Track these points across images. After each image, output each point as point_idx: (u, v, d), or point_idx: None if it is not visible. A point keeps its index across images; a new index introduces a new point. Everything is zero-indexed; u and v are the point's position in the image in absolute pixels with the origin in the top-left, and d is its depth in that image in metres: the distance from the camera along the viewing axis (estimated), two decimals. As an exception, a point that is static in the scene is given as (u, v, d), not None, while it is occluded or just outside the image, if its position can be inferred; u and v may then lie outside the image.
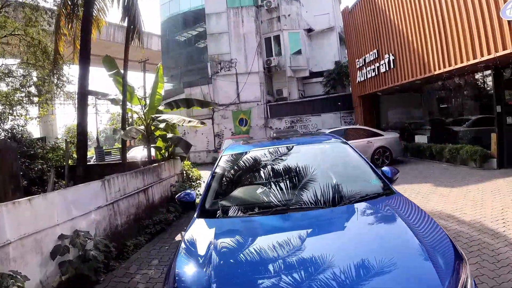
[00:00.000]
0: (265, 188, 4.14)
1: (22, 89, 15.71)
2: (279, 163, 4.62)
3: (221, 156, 4.86)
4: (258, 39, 27.98)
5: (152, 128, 11.06)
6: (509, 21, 10.08)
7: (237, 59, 27.51)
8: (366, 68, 19.99)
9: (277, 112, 27.69)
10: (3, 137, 12.16)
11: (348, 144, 4.85)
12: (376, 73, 18.78)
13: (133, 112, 11.30)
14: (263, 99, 27.39)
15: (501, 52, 10.42)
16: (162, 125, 11.09)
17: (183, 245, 3.25)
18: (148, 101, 11.17)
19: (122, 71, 9.90)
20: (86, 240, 5.53)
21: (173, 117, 10.59)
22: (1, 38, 15.30)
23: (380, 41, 18.26)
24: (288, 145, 5.00)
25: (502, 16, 10.24)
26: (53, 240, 5.23)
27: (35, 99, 17.19)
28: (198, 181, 12.35)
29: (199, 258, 2.93)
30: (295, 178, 4.19)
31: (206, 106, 11.46)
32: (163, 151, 11.48)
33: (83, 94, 8.59)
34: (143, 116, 10.97)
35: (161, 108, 11.38)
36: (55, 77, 16.28)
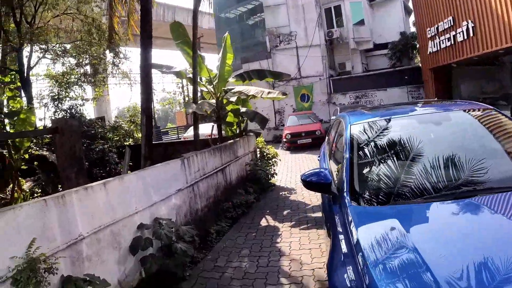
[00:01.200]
0: (426, 164, 3.04)
1: (77, 69, 15.17)
2: (429, 134, 3.63)
3: (350, 126, 3.85)
4: (318, 10, 26.32)
5: (224, 101, 10.06)
6: None
7: (296, 31, 26.02)
8: (439, 38, 18.27)
9: (341, 87, 26.10)
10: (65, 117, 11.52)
11: (501, 112, 3.72)
12: (452, 43, 17.03)
13: (201, 85, 10.30)
14: (326, 74, 25.86)
15: None
16: (233, 99, 10.06)
17: (367, 251, 2.18)
18: (218, 73, 10.13)
19: (190, 38, 8.91)
20: (172, 230, 4.53)
21: (250, 88, 9.55)
22: (54, 18, 14.77)
23: (456, 7, 16.46)
24: (431, 112, 4.07)
25: None
26: (132, 231, 4.33)
27: (92, 80, 16.71)
28: (274, 160, 11.30)
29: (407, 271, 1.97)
30: (459, 152, 3.17)
31: (279, 78, 10.34)
32: (234, 127, 10.48)
33: (147, 67, 7.62)
34: (212, 90, 9.96)
35: (232, 80, 10.32)
36: (111, 54, 15.62)
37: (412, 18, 28.29)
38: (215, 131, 10.64)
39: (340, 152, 4.00)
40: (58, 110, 11.93)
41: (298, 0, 26.17)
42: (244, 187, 8.84)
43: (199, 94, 10.49)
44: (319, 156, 7.55)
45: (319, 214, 7.16)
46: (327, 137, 6.78)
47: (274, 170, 10.75)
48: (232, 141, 8.95)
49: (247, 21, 30.85)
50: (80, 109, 12.21)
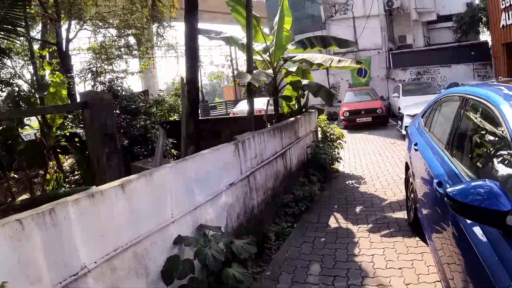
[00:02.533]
0: None
1: (118, 40, 14.13)
2: None
3: None
4: (376, -23, 24.27)
5: (283, 72, 8.60)
6: None
7: (353, 0, 24.09)
8: None
9: (400, 61, 24.21)
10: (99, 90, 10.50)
11: None
12: None
13: (255, 53, 8.84)
14: (385, 47, 23.99)
15: None
16: (293, 69, 8.57)
17: None
18: (274, 40, 8.63)
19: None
20: (222, 249, 3.19)
21: (314, 55, 8.02)
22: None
23: None
24: None
25: None
26: (166, 249, 3.04)
27: (135, 53, 15.68)
28: (339, 141, 9.81)
29: None
30: None
31: (345, 46, 8.80)
32: (293, 102, 9.01)
33: (193, 32, 6.40)
34: (268, 59, 8.51)
35: (291, 47, 8.81)
36: (155, 25, 14.45)
37: None
38: (270, 107, 9.23)
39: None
40: (97, 84, 10.98)
41: None
42: (306, 174, 7.46)
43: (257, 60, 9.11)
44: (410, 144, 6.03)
45: (401, 215, 5.74)
46: (421, 119, 5.31)
47: (338, 154, 9.26)
48: (293, 118, 7.47)
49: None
50: (121, 82, 11.18)
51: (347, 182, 8.09)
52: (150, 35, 15.66)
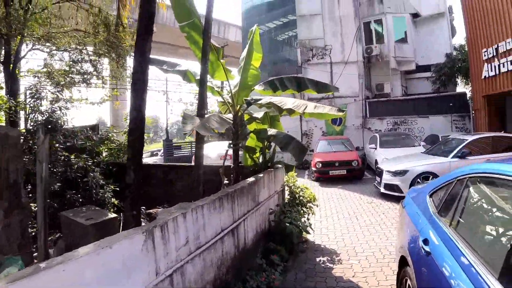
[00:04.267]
0: None
1: (74, 65, 12.59)
2: None
3: None
4: (356, 24, 23.72)
5: (245, 117, 7.10)
6: None
7: (332, 45, 23.32)
8: (499, 60, 15.57)
9: (377, 110, 23.35)
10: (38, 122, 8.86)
11: None
12: None
13: (214, 92, 7.33)
14: (362, 95, 23.11)
15: None
16: (259, 114, 7.09)
17: None
18: (239, 78, 7.16)
19: (202, 23, 6.03)
20: None
21: (286, 100, 6.56)
22: (53, 4, 12.29)
23: None
24: None
25: None
26: None
27: (97, 81, 14.20)
28: (309, 205, 8.22)
29: None
30: None
31: (324, 91, 7.40)
32: (257, 154, 7.46)
33: (143, 61, 5.07)
34: (229, 100, 7.01)
35: (258, 88, 7.36)
36: (115, 52, 12.98)
37: (457, 39, 25.75)
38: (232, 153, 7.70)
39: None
40: (34, 112, 9.32)
41: (336, 11, 23.76)
42: (266, 251, 5.82)
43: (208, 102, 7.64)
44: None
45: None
46: (430, 200, 3.92)
47: (309, 221, 7.66)
48: (252, 179, 5.80)
49: (277, 37, 28.29)
50: (63, 114, 9.52)
51: (317, 260, 6.45)
52: (113, 64, 14.14)
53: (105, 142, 10.59)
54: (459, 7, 19.39)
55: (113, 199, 7.77)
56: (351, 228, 8.38)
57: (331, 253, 6.82)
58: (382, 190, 11.64)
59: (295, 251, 6.54)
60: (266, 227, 6.38)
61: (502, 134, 13.34)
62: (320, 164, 15.20)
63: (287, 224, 6.34)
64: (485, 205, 3.01)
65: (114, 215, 5.68)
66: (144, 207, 7.04)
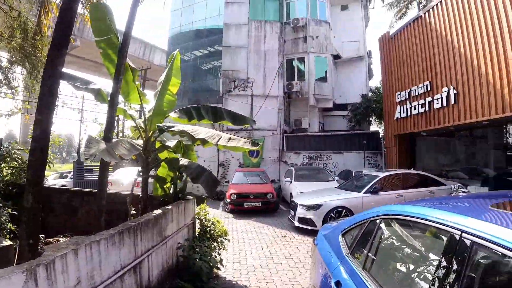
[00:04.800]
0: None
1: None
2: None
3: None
4: (280, 60, 24.29)
5: (157, 145, 6.75)
6: None
7: (254, 78, 23.63)
8: (410, 103, 16.80)
9: (294, 145, 23.74)
10: None
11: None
12: (427, 109, 15.52)
13: (127, 115, 6.94)
14: (280, 129, 23.40)
15: None
16: (171, 143, 6.78)
17: None
18: (154, 103, 6.83)
19: (119, 39, 5.70)
20: None
21: (200, 129, 6.31)
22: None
23: (435, 72, 15.16)
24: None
25: None
26: None
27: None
28: (221, 240, 7.91)
29: None
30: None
31: (241, 123, 7.26)
32: (167, 184, 7.11)
33: (54, 76, 4.55)
34: (142, 125, 6.67)
35: (173, 115, 7.07)
36: (29, 61, 12.15)
37: (373, 81, 27.42)
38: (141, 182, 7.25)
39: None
40: None
41: (261, 45, 24.26)
42: (171, 289, 5.45)
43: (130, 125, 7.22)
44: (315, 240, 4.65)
45: None
46: (342, 239, 3.90)
47: (220, 256, 7.36)
48: (159, 211, 5.38)
49: (202, 65, 28.25)
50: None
51: (229, 300, 6.19)
52: (26, 75, 13.23)
53: (6, 159, 9.73)
54: (378, 52, 20.43)
55: (9, 224, 7.03)
56: (264, 263, 8.20)
57: (243, 290, 6.57)
58: (296, 223, 11.67)
59: (206, 288, 6.20)
60: (174, 263, 5.98)
61: (411, 171, 14.08)
62: (235, 196, 15.00)
63: (196, 260, 6.00)
64: (397, 245, 3.11)
65: (9, 242, 5.05)
66: (43, 236, 6.41)
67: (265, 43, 24.29)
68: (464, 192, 10.42)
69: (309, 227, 11.09)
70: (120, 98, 5.98)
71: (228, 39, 24.49)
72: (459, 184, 12.25)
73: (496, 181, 14.00)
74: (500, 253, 1.83)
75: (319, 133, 25.04)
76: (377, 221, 3.31)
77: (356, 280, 2.98)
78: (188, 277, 5.86)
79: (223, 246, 7.87)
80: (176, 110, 7.13)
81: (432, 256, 2.48)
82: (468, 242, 2.05)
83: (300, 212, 11.56)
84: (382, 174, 12.37)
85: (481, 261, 1.99)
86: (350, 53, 28.39)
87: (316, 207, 11.24)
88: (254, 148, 6.29)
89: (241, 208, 15.01)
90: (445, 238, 2.29)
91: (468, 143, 17.56)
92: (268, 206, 15.22)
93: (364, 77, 28.39)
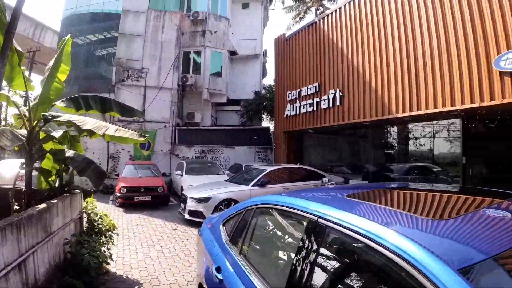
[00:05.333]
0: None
1: None
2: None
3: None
4: (177, 52, 23.95)
5: (41, 135, 6.35)
6: (501, 72, 9.47)
7: (149, 69, 23.07)
8: (300, 102, 17.86)
9: (186, 138, 23.61)
10: None
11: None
12: (314, 109, 16.67)
13: (10, 102, 6.45)
14: (172, 121, 23.17)
15: (487, 102, 9.77)
16: (58, 133, 6.42)
17: None
18: (40, 90, 6.41)
19: (7, 17, 5.25)
20: None
21: (87, 120, 6.04)
22: None
23: (324, 75, 16.34)
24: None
25: (495, 66, 9.61)
26: None
27: None
28: (109, 234, 7.64)
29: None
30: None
31: (130, 115, 7.12)
32: (52, 177, 6.73)
33: None
34: (26, 113, 6.25)
35: (60, 104, 6.71)
36: None
37: (267, 79, 28.39)
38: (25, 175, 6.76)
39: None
40: None
41: (159, 35, 23.77)
42: (62, 287, 5.18)
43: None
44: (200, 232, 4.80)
45: None
46: (223, 229, 4.17)
47: (109, 250, 7.14)
48: (43, 207, 5.03)
49: (96, 51, 26.96)
50: None
51: (119, 294, 6.06)
52: None
53: None
54: (273, 51, 21.10)
55: None
56: (154, 256, 8.16)
57: (134, 283, 6.49)
58: (187, 216, 11.70)
59: (95, 284, 5.97)
60: (61, 259, 5.69)
61: (297, 166, 14.99)
62: (125, 189, 14.56)
63: (84, 255, 5.78)
64: (269, 231, 3.51)
65: None
66: None
67: (163, 33, 23.83)
68: (332, 184, 11.23)
69: (199, 220, 11.11)
70: (4, 83, 5.53)
71: (125, 26, 23.66)
72: (329, 177, 13.11)
73: (375, 176, 15.44)
74: (344, 233, 2.23)
75: (211, 127, 25.28)
76: (252, 210, 3.63)
77: (234, 264, 3.25)
78: (77, 274, 5.62)
79: (112, 240, 7.63)
80: (64, 99, 6.80)
81: (297, 238, 2.78)
82: (323, 225, 2.42)
83: (190, 205, 11.62)
84: (269, 168, 12.94)
85: (333, 239, 2.39)
86: (247, 51, 28.84)
87: (206, 199, 11.38)
88: (142, 139, 6.15)
89: (131, 202, 14.62)
90: (305, 223, 2.64)
91: (352, 141, 19.00)
92: (159, 199, 15.07)
93: (258, 75, 29.12)
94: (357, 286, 2.15)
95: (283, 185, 12.20)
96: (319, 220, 2.48)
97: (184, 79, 23.91)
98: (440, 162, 13.70)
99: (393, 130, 16.04)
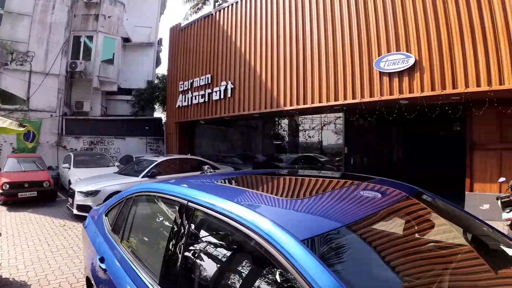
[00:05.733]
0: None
1: None
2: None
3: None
4: (67, 35, 22.48)
5: None
6: (380, 72, 11.07)
7: (35, 53, 21.27)
8: (192, 93, 18.32)
9: (75, 128, 22.53)
10: None
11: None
12: (206, 100, 17.29)
13: None
14: (60, 111, 21.91)
15: (367, 99, 11.35)
16: None
17: None
18: None
19: None
20: None
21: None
22: None
23: (217, 67, 16.99)
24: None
25: (375, 67, 11.18)
26: None
27: None
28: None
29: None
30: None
31: (11, 103, 6.72)
32: None
33: None
34: None
35: None
36: None
37: (160, 69, 28.20)
38: None
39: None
40: None
41: (48, 16, 21.92)
42: None
43: None
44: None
45: None
46: (106, 219, 4.22)
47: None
48: None
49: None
50: None
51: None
52: None
53: None
54: (168, 40, 20.83)
55: None
56: (42, 256, 7.77)
57: (21, 286, 6.14)
58: (75, 211, 11.19)
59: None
60: None
61: (188, 156, 15.25)
62: (8, 186, 13.44)
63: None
64: (148, 219, 3.67)
65: None
66: None
67: (53, 14, 22.01)
68: (211, 172, 11.41)
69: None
70: None
71: (12, 4, 21.34)
72: (208, 166, 13.23)
73: (264, 166, 16.31)
74: (210, 214, 2.40)
75: (101, 117, 24.54)
76: (132, 198, 3.71)
77: (116, 252, 3.35)
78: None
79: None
80: None
81: (171, 222, 2.94)
82: (192, 208, 2.58)
83: (78, 199, 11.15)
84: (159, 159, 12.96)
85: (200, 221, 2.61)
86: (141, 38, 28.10)
87: (94, 193, 11.04)
88: (22, 129, 5.86)
89: (15, 199, 13.54)
90: (177, 207, 2.79)
91: (243, 132, 19.93)
92: (45, 195, 14.17)
93: (152, 64, 28.57)
94: (225, 263, 2.35)
95: (173, 175, 12.23)
96: (189, 204, 2.63)
97: (74, 65, 22.67)
98: (328, 152, 15.02)
99: (284, 122, 17.12)
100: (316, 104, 12.70)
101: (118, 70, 25.06)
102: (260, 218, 2.04)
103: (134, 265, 2.95)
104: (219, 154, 19.74)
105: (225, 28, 16.52)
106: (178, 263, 2.47)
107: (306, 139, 16.06)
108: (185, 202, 2.67)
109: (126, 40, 26.83)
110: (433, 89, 10.16)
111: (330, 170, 13.58)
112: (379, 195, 2.75)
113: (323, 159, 15.06)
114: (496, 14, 9.19)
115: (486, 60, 9.31)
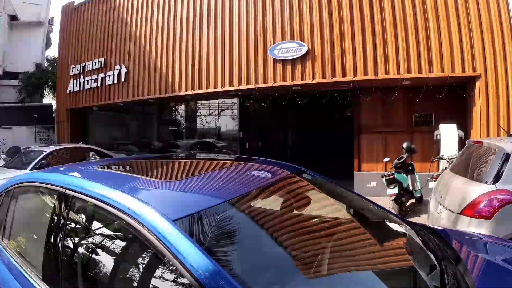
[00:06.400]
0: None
1: None
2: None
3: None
4: None
5: None
6: (274, 59, 11.62)
7: None
8: (84, 77, 17.26)
9: (-48, 118, 20.57)
10: None
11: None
12: (99, 85, 16.48)
13: None
14: None
15: (261, 85, 11.78)
16: None
17: None
18: None
19: None
20: None
21: None
22: None
23: (110, 50, 16.30)
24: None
25: (270, 54, 11.69)
26: None
27: None
28: None
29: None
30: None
31: None
32: None
33: None
34: None
35: None
36: None
37: (51, 51, 26.36)
38: None
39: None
40: None
41: None
42: None
43: None
44: None
45: None
46: None
47: None
48: None
49: None
50: None
51: None
52: None
53: None
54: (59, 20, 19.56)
55: None
56: None
57: None
58: None
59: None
60: None
61: (80, 145, 14.36)
62: None
63: None
64: (31, 213, 3.29)
65: None
66: None
67: None
68: (96, 159, 10.99)
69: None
70: None
71: None
72: (93, 152, 12.69)
73: (161, 152, 16.19)
74: (83, 199, 2.33)
75: (-16, 105, 22.36)
76: (11, 191, 3.35)
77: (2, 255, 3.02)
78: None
79: None
80: None
81: (52, 211, 2.72)
82: (70, 196, 2.44)
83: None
84: (49, 149, 12.28)
85: (77, 207, 2.48)
86: (30, 17, 25.72)
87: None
88: None
89: None
90: (56, 196, 2.63)
91: (139, 118, 19.63)
92: None
93: (41, 45, 26.53)
94: (104, 249, 2.25)
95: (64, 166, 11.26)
96: (67, 191, 2.49)
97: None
98: (225, 138, 15.43)
99: (181, 108, 17.38)
100: (212, 89, 12.93)
101: (3, 52, 23.18)
102: (131, 200, 2.02)
103: (20, 265, 2.72)
104: (114, 142, 19.15)
105: (121, 9, 15.94)
106: (59, 255, 2.37)
107: (204, 125, 16.23)
108: (63, 190, 2.53)
109: (14, 18, 24.58)
110: (324, 76, 10.93)
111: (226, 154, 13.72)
112: (261, 174, 2.90)
113: (220, 145, 15.30)
114: (385, 9, 10.36)
115: (374, 51, 10.40)
